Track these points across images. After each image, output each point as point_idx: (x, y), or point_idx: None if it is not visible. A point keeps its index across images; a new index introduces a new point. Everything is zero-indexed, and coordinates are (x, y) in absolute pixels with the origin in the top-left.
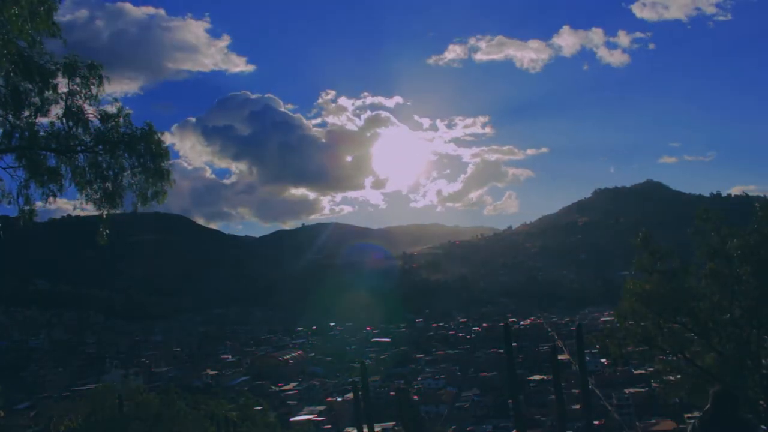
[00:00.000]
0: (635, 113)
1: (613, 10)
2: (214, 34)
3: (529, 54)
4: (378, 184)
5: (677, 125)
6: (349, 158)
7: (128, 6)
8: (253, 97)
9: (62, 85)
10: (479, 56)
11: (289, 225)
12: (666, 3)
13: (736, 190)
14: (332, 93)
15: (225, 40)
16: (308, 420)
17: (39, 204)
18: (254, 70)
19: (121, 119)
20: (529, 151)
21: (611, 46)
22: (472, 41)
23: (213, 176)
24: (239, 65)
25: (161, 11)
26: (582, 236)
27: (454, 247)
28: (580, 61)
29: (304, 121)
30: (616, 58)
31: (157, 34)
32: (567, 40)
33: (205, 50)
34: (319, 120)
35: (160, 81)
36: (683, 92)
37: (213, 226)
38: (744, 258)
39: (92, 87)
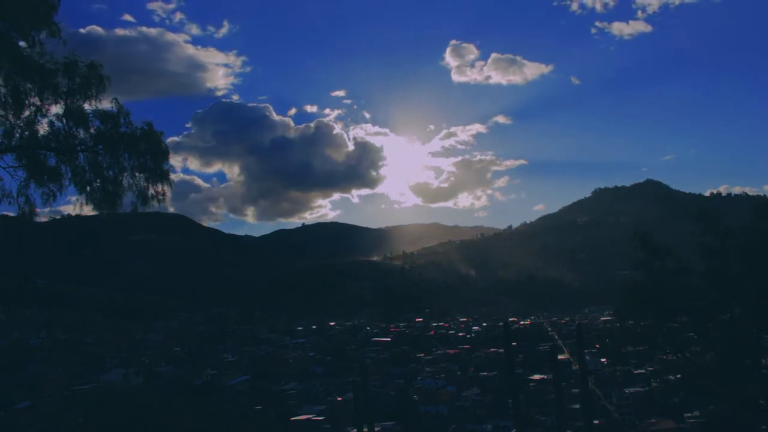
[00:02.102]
0: (633, 114)
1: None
2: (198, 50)
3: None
4: (377, 185)
5: (676, 125)
6: (345, 160)
7: (98, 29)
8: (249, 105)
9: (62, 84)
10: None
11: (289, 224)
12: None
13: (735, 190)
14: (319, 105)
15: (207, 55)
16: (308, 420)
17: (42, 211)
18: (238, 84)
19: (122, 119)
20: (530, 152)
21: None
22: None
23: (205, 180)
24: (222, 85)
25: (133, 32)
26: (582, 236)
27: (454, 247)
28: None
29: (293, 125)
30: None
31: (131, 53)
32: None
33: (188, 68)
34: (313, 124)
35: (136, 99)
36: (684, 92)
37: (213, 225)
38: (742, 257)
39: (92, 87)
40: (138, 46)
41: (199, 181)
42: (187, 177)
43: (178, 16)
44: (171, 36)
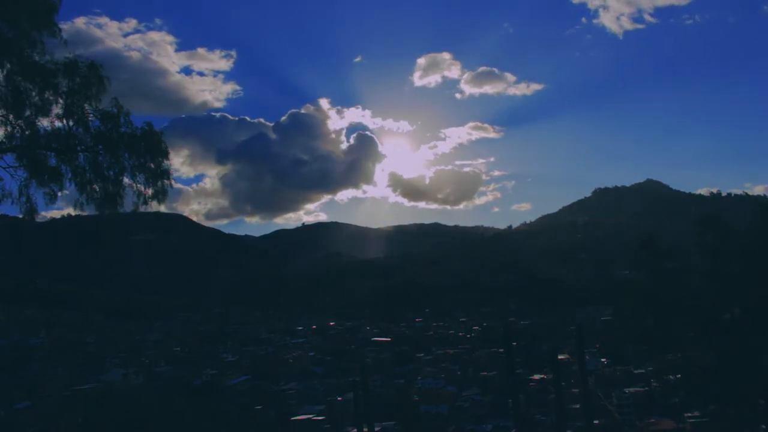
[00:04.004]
0: (633, 113)
1: None
2: (185, 70)
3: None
4: (376, 187)
5: (676, 123)
6: (341, 162)
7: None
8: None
9: (63, 84)
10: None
11: (288, 224)
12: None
13: (736, 190)
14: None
15: (192, 81)
16: (308, 420)
17: (44, 214)
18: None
19: (122, 119)
20: (530, 154)
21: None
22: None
23: (203, 182)
24: (214, 98)
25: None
26: (582, 236)
27: (454, 247)
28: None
29: (286, 130)
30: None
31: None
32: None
33: (172, 93)
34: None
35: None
36: (684, 90)
37: (213, 225)
38: (743, 258)
39: (92, 87)
40: (120, 70)
41: (197, 182)
42: (185, 179)
43: (163, 47)
44: (156, 61)
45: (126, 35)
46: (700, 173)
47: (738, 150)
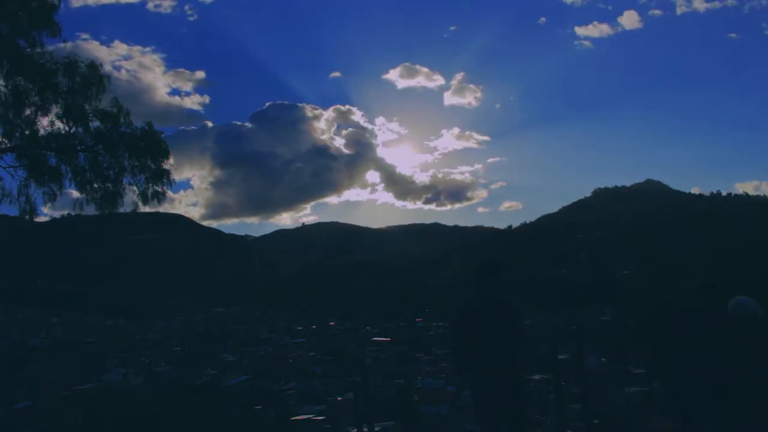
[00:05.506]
0: (632, 114)
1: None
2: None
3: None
4: (374, 187)
5: (676, 124)
6: (340, 163)
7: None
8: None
9: (62, 84)
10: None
11: (288, 224)
12: None
13: (736, 189)
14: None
15: (179, 102)
16: (308, 419)
17: (46, 211)
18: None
19: (122, 119)
20: (530, 153)
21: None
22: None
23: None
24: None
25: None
26: (582, 236)
27: (454, 247)
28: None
29: (282, 135)
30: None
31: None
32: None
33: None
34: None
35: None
36: (684, 91)
37: (213, 225)
38: (744, 257)
39: (92, 87)
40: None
41: (191, 186)
42: (180, 182)
43: (151, 68)
44: (145, 82)
45: (114, 61)
46: (700, 173)
47: (739, 150)
